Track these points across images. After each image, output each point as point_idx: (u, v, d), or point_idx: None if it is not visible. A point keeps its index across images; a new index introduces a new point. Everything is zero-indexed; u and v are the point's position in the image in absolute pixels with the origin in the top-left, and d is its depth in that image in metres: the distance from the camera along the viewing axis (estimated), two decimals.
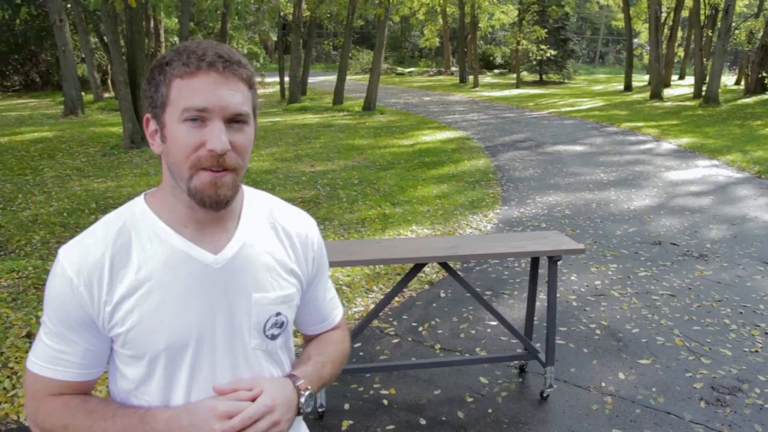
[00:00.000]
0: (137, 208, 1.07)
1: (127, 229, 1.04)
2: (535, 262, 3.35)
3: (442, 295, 4.62)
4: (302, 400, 1.10)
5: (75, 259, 1.01)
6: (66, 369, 1.04)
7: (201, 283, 1.05)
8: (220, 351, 1.07)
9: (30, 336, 3.70)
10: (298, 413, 1.10)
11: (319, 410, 3.02)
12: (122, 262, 1.02)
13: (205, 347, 1.06)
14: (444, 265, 3.06)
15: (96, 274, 1.01)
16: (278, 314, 1.12)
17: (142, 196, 1.10)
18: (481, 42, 39.92)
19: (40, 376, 1.05)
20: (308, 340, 1.32)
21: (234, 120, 0.99)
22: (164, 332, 1.03)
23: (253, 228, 1.12)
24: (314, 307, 1.28)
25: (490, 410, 3.11)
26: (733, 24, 21.91)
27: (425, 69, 40.31)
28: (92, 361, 1.06)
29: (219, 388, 1.05)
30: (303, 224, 1.21)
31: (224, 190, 1.00)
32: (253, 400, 1.03)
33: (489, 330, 4.03)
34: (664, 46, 26.92)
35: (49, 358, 1.04)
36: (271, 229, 1.15)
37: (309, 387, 1.12)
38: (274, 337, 1.13)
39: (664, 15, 28.68)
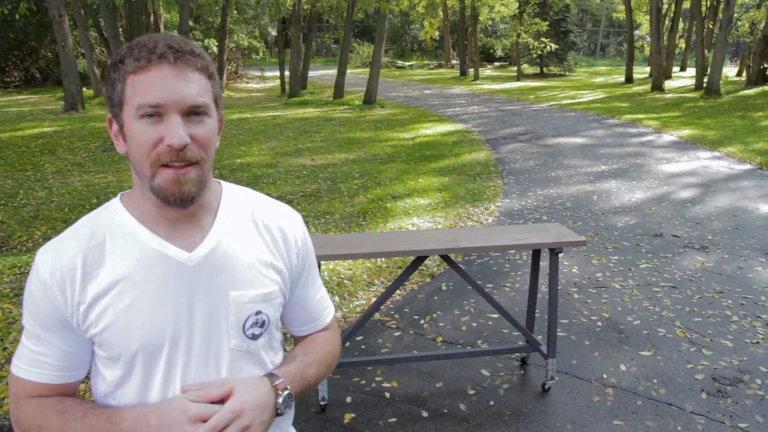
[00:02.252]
0: (112, 208, 1.06)
1: (101, 230, 1.03)
2: (536, 254, 3.35)
3: (444, 288, 4.63)
4: (280, 400, 1.06)
5: (48, 261, 1.01)
6: (44, 371, 1.04)
7: (175, 281, 1.02)
8: (196, 352, 1.04)
9: None
10: (277, 414, 1.06)
11: (321, 403, 3.03)
12: (95, 263, 1.01)
13: (180, 348, 1.03)
14: (445, 258, 3.06)
15: (68, 276, 1.00)
16: (258, 313, 1.08)
17: (118, 197, 1.09)
18: (482, 35, 39.80)
19: (21, 379, 1.05)
20: (297, 341, 1.28)
21: (192, 112, 0.96)
22: (137, 332, 1.01)
23: (232, 224, 1.09)
24: (302, 306, 1.23)
25: (491, 402, 3.12)
26: (735, 15, 21.80)
27: (426, 62, 40.19)
28: (71, 363, 1.05)
29: (187, 386, 1.03)
30: (285, 219, 1.16)
31: (188, 187, 0.98)
32: (223, 400, 1.00)
33: (490, 322, 4.04)
34: (665, 37, 26.82)
35: (29, 360, 1.04)
36: (252, 225, 1.11)
37: (288, 387, 1.08)
38: (255, 337, 1.09)
39: (665, 6, 28.54)
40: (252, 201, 1.15)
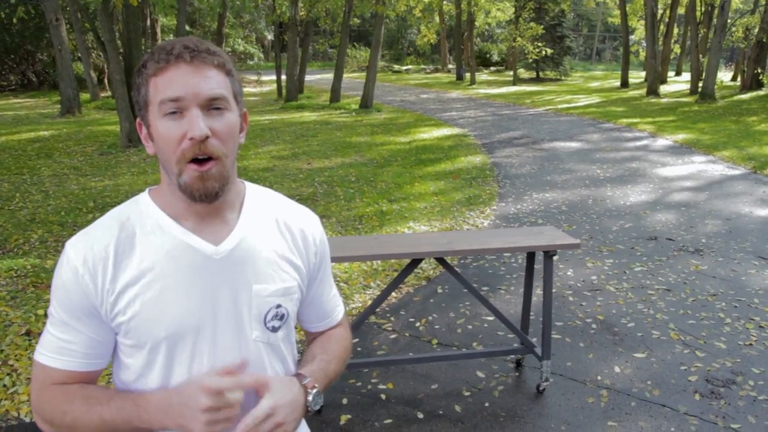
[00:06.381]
0: (141, 202, 1.11)
1: (131, 222, 1.07)
2: (530, 257, 3.38)
3: (439, 290, 4.65)
4: (310, 398, 1.11)
5: (80, 250, 1.05)
6: (71, 359, 1.07)
7: (201, 273, 1.07)
8: (220, 341, 1.09)
9: (29, 334, 3.72)
10: (307, 412, 1.11)
11: None
12: (126, 253, 1.05)
13: (205, 337, 1.08)
14: (441, 261, 3.09)
15: (100, 264, 1.04)
16: (279, 306, 1.13)
17: (146, 191, 1.13)
18: (478, 39, 39.89)
19: (46, 366, 1.07)
20: (311, 338, 1.34)
21: (212, 106, 1.01)
22: (164, 321, 1.05)
23: (255, 221, 1.14)
24: (318, 303, 1.29)
25: (486, 404, 3.14)
26: (729, 20, 21.94)
27: (422, 67, 40.27)
28: (97, 351, 1.08)
29: (225, 368, 1.05)
30: (305, 220, 1.22)
31: (211, 183, 1.02)
32: (258, 395, 1.04)
33: (486, 325, 4.06)
34: (660, 42, 26.91)
35: (55, 348, 1.07)
36: (273, 223, 1.17)
37: (316, 385, 1.14)
38: (275, 330, 1.14)
39: (660, 11, 28.70)
40: (274, 201, 1.21)
